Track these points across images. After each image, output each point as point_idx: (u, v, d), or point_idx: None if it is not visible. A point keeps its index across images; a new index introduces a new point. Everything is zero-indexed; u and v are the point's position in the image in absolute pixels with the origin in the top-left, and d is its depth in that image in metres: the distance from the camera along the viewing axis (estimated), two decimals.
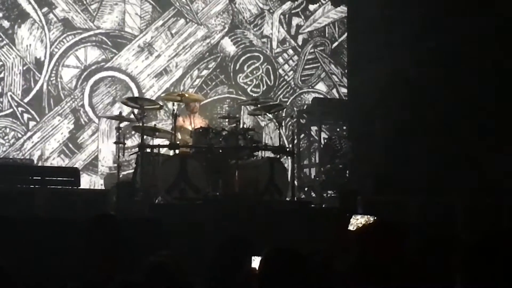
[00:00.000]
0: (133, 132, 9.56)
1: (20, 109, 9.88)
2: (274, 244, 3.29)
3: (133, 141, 9.79)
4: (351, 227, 5.53)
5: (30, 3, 9.99)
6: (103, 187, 9.56)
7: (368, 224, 4.61)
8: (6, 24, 9.91)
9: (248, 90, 10.92)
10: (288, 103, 10.96)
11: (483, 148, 8.32)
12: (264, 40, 11.12)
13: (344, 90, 11.30)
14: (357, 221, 5.50)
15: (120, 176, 8.30)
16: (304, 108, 10.82)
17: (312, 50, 11.36)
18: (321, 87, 11.32)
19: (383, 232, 3.16)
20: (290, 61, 11.21)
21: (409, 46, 9.19)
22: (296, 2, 11.34)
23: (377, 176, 8.73)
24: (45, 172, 7.72)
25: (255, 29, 11.08)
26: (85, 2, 10.25)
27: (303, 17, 11.38)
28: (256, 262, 3.63)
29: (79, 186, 7.72)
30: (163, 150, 8.26)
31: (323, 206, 9.10)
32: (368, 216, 5.59)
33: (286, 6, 11.29)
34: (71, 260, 4.30)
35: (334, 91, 11.37)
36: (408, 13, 9.24)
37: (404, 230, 3.28)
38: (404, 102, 9.30)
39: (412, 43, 9.17)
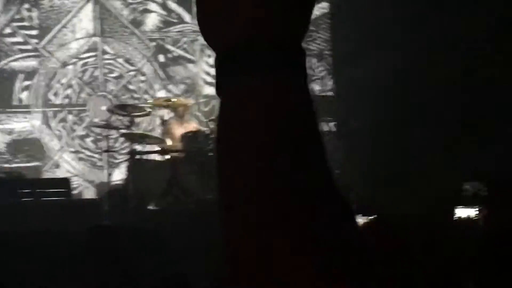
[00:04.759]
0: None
1: None
2: None
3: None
4: None
5: None
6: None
7: (366, 221, 4.59)
8: None
9: None
10: None
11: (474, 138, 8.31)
12: None
13: (329, 87, 11.24)
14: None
15: (111, 184, 8.27)
16: None
17: None
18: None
19: (383, 229, 3.13)
20: None
21: (396, 43, 9.16)
22: None
23: (369, 171, 8.72)
24: (35, 185, 7.66)
25: None
26: None
27: None
28: None
29: (71, 196, 7.67)
30: (154, 157, 8.22)
31: None
32: (365, 213, 5.57)
33: None
34: (70, 273, 4.26)
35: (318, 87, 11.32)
36: (394, 8, 9.20)
37: (405, 225, 3.26)
38: (391, 98, 9.29)
39: (399, 40, 9.15)
